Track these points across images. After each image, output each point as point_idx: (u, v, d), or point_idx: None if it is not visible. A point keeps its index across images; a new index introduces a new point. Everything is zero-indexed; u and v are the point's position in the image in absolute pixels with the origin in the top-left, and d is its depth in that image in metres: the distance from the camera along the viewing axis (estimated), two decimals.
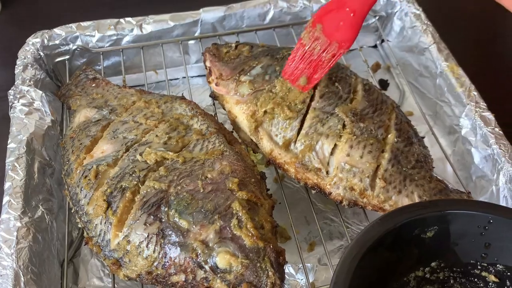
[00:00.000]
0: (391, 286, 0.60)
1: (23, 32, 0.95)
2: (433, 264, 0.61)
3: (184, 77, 1.03)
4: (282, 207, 0.80)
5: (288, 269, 0.78)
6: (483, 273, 0.60)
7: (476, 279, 0.61)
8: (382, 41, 1.10)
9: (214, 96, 0.84)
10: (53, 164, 0.82)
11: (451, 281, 0.61)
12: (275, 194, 0.87)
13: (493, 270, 0.60)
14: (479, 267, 0.60)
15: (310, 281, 0.76)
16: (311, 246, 0.82)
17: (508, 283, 0.59)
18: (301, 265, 0.76)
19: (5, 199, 0.72)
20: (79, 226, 0.70)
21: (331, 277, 0.71)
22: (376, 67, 1.07)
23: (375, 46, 1.13)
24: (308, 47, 0.73)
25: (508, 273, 0.59)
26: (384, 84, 1.04)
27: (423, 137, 0.85)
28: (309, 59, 0.73)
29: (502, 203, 0.78)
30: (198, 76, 1.06)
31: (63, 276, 0.75)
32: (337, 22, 0.70)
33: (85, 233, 0.68)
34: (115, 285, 0.73)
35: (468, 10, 1.21)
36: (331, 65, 0.72)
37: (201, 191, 0.64)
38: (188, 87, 0.94)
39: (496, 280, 0.60)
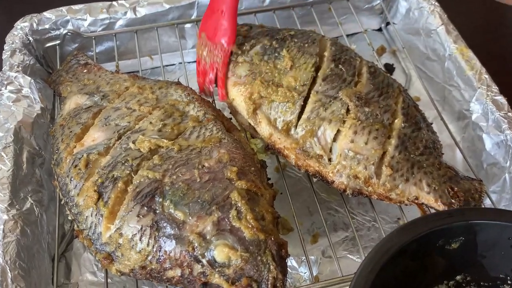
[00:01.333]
0: None
1: (11, 16, 0.91)
2: (458, 277, 0.57)
3: (181, 63, 0.99)
4: (284, 197, 0.77)
5: (291, 262, 0.75)
6: None
7: None
8: (387, 24, 1.06)
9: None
10: (43, 154, 0.78)
11: None
12: (277, 184, 0.83)
13: None
14: (509, 282, 0.56)
15: (314, 274, 0.72)
16: (315, 237, 0.78)
17: None
18: (304, 257, 0.73)
19: None
20: (69, 218, 0.66)
21: (335, 270, 0.68)
22: (381, 51, 1.02)
23: (380, 29, 1.08)
24: (202, 57, 0.80)
25: None
26: (389, 68, 1.00)
27: (431, 123, 0.80)
28: (208, 66, 0.80)
29: None
30: (195, 61, 1.01)
31: (54, 271, 0.71)
32: (215, 26, 0.77)
33: (75, 226, 0.65)
34: (109, 280, 0.70)
35: None
36: (225, 61, 0.77)
37: (198, 180, 0.61)
38: (185, 73, 0.90)
39: None
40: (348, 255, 0.76)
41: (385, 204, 0.80)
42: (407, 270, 0.55)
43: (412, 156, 0.69)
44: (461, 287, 0.57)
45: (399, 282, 0.54)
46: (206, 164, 0.63)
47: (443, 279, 0.57)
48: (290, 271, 0.74)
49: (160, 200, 0.59)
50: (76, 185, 0.65)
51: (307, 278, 0.73)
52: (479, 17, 1.12)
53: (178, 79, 0.85)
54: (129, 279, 0.73)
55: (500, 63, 0.97)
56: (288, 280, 0.73)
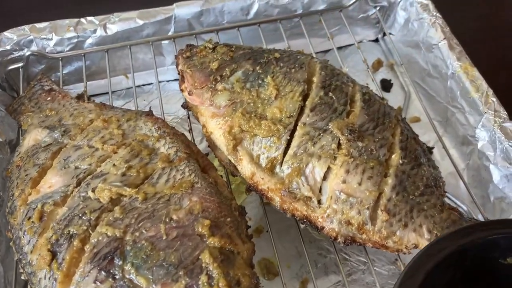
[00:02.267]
0: None
1: None
2: None
3: (160, 82, 0.90)
4: (269, 236, 0.69)
5: None
6: None
7: None
8: (384, 34, 0.97)
9: (187, 107, 0.72)
10: (0, 194, 0.71)
11: None
12: (262, 221, 0.76)
13: None
14: None
15: None
16: (303, 284, 0.71)
17: None
18: None
19: None
20: (22, 278, 0.58)
21: None
22: (377, 65, 0.94)
23: (376, 40, 0.99)
24: None
25: None
26: (387, 84, 0.92)
27: (431, 148, 0.73)
28: None
29: None
30: (175, 80, 0.93)
31: None
32: None
33: (28, 287, 0.57)
34: None
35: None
36: None
37: (164, 238, 0.53)
38: (159, 96, 0.81)
39: None
40: None
41: (380, 251, 0.73)
42: (455, 280, 0.49)
43: (411, 197, 0.61)
44: None
45: None
46: (175, 217, 0.55)
47: None
48: None
49: (120, 263, 0.52)
50: (29, 241, 0.57)
51: None
52: (484, 26, 1.03)
53: (150, 107, 0.77)
54: None
55: (506, 79, 0.89)
56: None
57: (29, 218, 0.58)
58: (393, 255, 0.72)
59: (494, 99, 0.73)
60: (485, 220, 0.59)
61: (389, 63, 0.94)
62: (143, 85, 0.92)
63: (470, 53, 0.79)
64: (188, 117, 0.77)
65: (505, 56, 0.96)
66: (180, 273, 0.50)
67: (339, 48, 0.94)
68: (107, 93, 0.87)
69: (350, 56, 0.95)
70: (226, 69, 0.69)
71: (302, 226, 0.64)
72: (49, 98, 0.76)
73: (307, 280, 0.71)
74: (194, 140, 0.74)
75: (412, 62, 0.89)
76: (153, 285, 0.50)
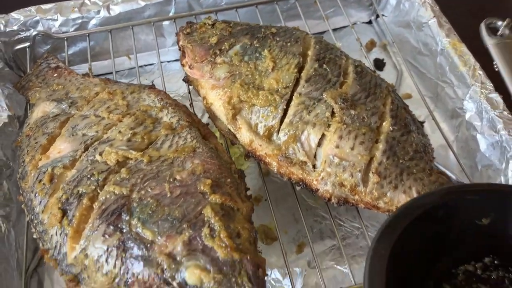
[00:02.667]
0: (438, 272, 0.53)
1: None
2: (486, 259, 0.54)
3: (162, 62, 0.94)
4: (267, 204, 0.72)
5: (275, 274, 0.71)
6: None
7: None
8: (377, 16, 1.01)
9: (188, 81, 0.75)
10: (11, 165, 0.74)
11: (506, 282, 0.53)
12: (261, 190, 0.79)
13: None
14: None
15: (299, 287, 0.68)
16: (300, 247, 0.74)
17: None
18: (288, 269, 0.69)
19: None
20: (34, 236, 0.62)
21: (320, 283, 0.64)
22: (371, 45, 0.97)
23: (369, 22, 1.03)
24: None
25: None
26: (379, 63, 0.95)
27: (423, 122, 0.76)
28: None
29: None
30: (176, 60, 0.97)
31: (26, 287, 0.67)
32: None
33: (40, 245, 0.60)
34: None
35: None
36: None
37: (168, 195, 0.56)
38: (161, 74, 0.85)
39: None
40: (335, 266, 0.72)
41: (373, 212, 0.76)
42: (434, 239, 0.52)
43: (401, 161, 0.65)
44: (488, 270, 0.54)
45: (425, 250, 0.52)
46: (178, 177, 0.58)
47: (471, 259, 0.54)
48: (274, 283, 0.70)
49: (127, 218, 0.55)
50: (40, 201, 0.61)
51: None
52: (474, 5, 1.07)
53: (153, 81, 0.81)
54: None
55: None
56: None
57: (40, 180, 0.61)
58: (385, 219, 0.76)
59: (481, 72, 0.77)
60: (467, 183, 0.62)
61: (382, 43, 0.98)
62: (145, 65, 0.96)
63: (458, 29, 0.83)
64: (189, 92, 0.81)
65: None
66: (184, 226, 0.54)
67: (334, 29, 0.98)
68: (110, 73, 0.90)
69: (345, 37, 0.98)
70: (225, 43, 0.73)
71: (298, 188, 0.68)
72: (55, 75, 0.79)
73: (304, 244, 0.74)
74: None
75: (403, 42, 0.93)
76: (159, 237, 0.53)
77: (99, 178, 0.59)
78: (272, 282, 0.70)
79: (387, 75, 0.93)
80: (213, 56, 0.72)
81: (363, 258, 0.73)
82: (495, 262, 0.53)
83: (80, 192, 0.58)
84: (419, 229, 0.49)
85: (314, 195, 0.65)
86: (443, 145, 0.79)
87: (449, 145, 0.77)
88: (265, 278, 0.54)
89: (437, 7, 0.86)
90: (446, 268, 0.52)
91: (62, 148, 0.64)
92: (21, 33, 0.86)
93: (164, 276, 0.52)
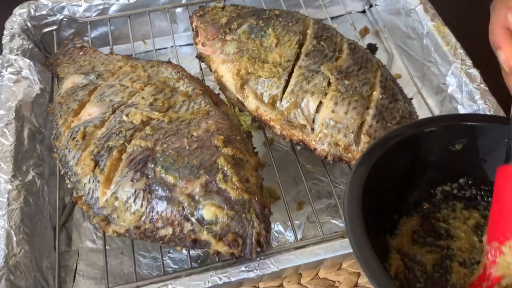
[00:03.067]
0: (418, 193, 0.61)
1: (7, 7, 0.95)
2: (461, 180, 0.61)
3: (173, 46, 1.03)
4: (271, 169, 0.81)
5: (277, 227, 0.80)
6: None
7: None
8: (370, 6, 1.10)
9: (200, 57, 0.84)
10: (43, 131, 0.83)
11: (478, 198, 0.61)
12: (265, 157, 0.88)
13: None
14: None
15: (299, 237, 0.77)
16: (300, 205, 0.83)
17: None
18: (290, 223, 0.78)
19: None
20: (69, 186, 0.71)
21: (319, 234, 0.72)
22: (364, 32, 1.07)
23: (363, 12, 1.12)
24: None
25: None
26: (372, 48, 1.04)
27: (411, 99, 0.85)
28: None
29: None
30: (187, 45, 1.06)
31: (55, 239, 0.76)
32: None
33: (74, 193, 0.69)
34: (107, 247, 0.75)
35: None
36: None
37: (187, 148, 0.65)
38: (176, 56, 0.94)
39: None
40: (331, 220, 0.81)
41: None
42: (412, 165, 0.58)
43: (389, 125, 0.73)
44: (463, 189, 0.61)
45: (403, 176, 0.58)
46: (195, 134, 0.67)
47: (447, 180, 0.61)
48: (277, 235, 0.79)
49: (152, 166, 0.64)
50: (74, 156, 0.69)
51: (292, 241, 0.78)
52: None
53: (169, 58, 0.90)
54: (126, 246, 0.78)
55: (476, 39, 1.01)
56: (275, 243, 0.78)
57: (74, 138, 0.70)
58: None
59: (461, 51, 0.86)
60: (437, 116, 0.71)
61: (374, 30, 1.07)
62: (159, 49, 1.05)
63: (442, 14, 0.92)
64: (201, 69, 0.90)
65: (473, 13, 1.10)
66: (201, 172, 0.63)
67: (332, 17, 1.07)
68: (129, 55, 1.00)
69: (341, 24, 1.07)
70: (234, 23, 0.82)
71: (298, 148, 0.77)
72: (81, 53, 0.88)
73: (303, 203, 0.83)
74: None
75: (394, 28, 1.02)
76: (180, 181, 0.62)
77: (127, 134, 0.68)
78: (276, 234, 0.79)
79: (379, 57, 1.01)
80: (223, 34, 0.81)
81: None
82: (469, 182, 0.61)
83: (110, 145, 0.67)
84: (396, 155, 0.55)
85: (312, 153, 0.74)
86: None
87: None
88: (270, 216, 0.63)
89: None
90: (425, 189, 0.60)
91: (91, 111, 0.73)
92: (49, 17, 0.95)
93: (184, 213, 0.61)
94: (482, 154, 0.59)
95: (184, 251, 0.76)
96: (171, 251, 0.77)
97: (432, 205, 0.61)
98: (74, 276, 0.76)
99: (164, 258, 0.73)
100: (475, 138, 0.57)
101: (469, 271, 0.53)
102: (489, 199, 0.60)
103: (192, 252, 0.74)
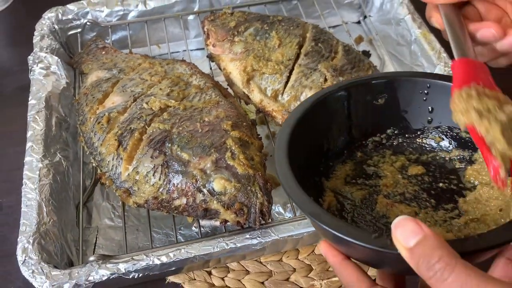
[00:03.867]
0: (352, 145, 0.68)
1: (37, 13, 1.05)
2: (388, 131, 0.68)
3: (185, 50, 1.13)
4: (272, 159, 0.89)
5: (278, 208, 0.88)
6: (430, 136, 0.67)
7: (425, 142, 0.68)
8: (365, 17, 1.21)
9: (211, 57, 0.94)
10: (68, 120, 0.92)
11: (404, 145, 0.68)
12: (267, 149, 0.96)
13: (438, 132, 0.67)
14: (427, 131, 0.67)
15: (296, 216, 0.85)
16: None
17: (452, 142, 0.66)
18: (289, 205, 0.86)
19: (28, 144, 0.82)
20: (94, 165, 0.80)
21: None
22: (359, 40, 1.17)
23: (358, 22, 1.23)
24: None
25: (451, 133, 0.66)
26: (366, 54, 1.14)
27: None
28: None
29: None
30: (197, 49, 1.16)
31: (78, 216, 0.84)
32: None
33: (98, 171, 0.78)
34: (125, 225, 0.83)
35: None
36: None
37: (200, 131, 0.74)
38: (189, 58, 1.04)
39: (440, 140, 0.67)
40: None
41: None
42: (340, 121, 0.66)
43: None
44: (391, 139, 0.68)
45: (336, 127, 0.66)
46: (206, 119, 0.77)
47: (377, 132, 0.68)
48: (277, 215, 0.87)
49: (169, 145, 0.73)
50: (99, 138, 0.79)
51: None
52: None
53: (183, 57, 1.00)
54: (141, 223, 0.86)
55: None
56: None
57: (99, 122, 0.79)
58: None
59: (445, 55, 0.96)
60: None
61: (368, 38, 1.17)
62: (172, 52, 1.15)
63: (427, 23, 1.02)
64: (211, 69, 1.00)
65: None
66: (212, 150, 0.71)
67: (329, 27, 1.17)
68: (146, 55, 1.10)
69: (338, 33, 1.17)
70: (242, 26, 0.92)
71: None
72: (103, 52, 0.98)
73: None
74: None
75: (386, 36, 1.12)
76: (193, 158, 0.71)
77: (147, 119, 0.77)
78: (276, 214, 0.87)
79: (373, 63, 1.12)
80: (232, 36, 0.92)
81: None
82: (395, 132, 0.68)
83: (132, 128, 0.76)
84: (324, 110, 0.64)
85: None
86: None
87: None
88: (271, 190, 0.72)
89: (412, 6, 1.06)
90: (358, 140, 0.68)
91: (115, 100, 0.83)
92: (74, 21, 1.06)
93: (197, 184, 0.70)
94: (403, 106, 0.66)
95: (194, 228, 0.85)
96: (182, 228, 0.86)
97: (365, 154, 0.68)
98: (94, 249, 0.84)
99: (176, 234, 0.82)
100: (393, 92, 0.65)
101: (392, 201, 0.61)
102: (414, 145, 0.68)
103: (201, 229, 0.82)
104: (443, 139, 0.67)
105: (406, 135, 0.68)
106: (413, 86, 0.65)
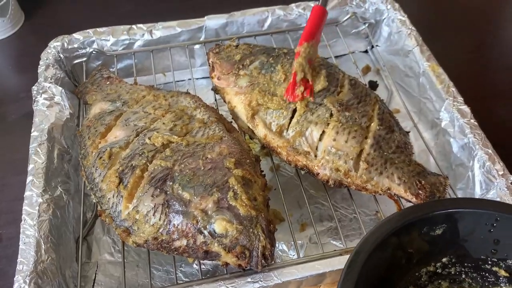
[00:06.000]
0: (404, 279, 0.63)
1: (45, 39, 1.06)
2: (444, 259, 0.64)
3: (190, 79, 1.13)
4: (277, 193, 0.88)
5: (281, 246, 0.86)
6: (494, 268, 0.63)
7: (487, 274, 0.64)
8: (372, 46, 1.19)
9: (215, 90, 0.93)
10: (70, 152, 0.91)
11: (463, 276, 0.64)
12: (271, 182, 0.95)
13: (503, 265, 0.63)
14: (489, 262, 0.63)
15: (300, 256, 0.83)
16: (303, 226, 0.89)
17: None
18: (293, 242, 0.84)
19: (29, 178, 0.81)
20: (94, 201, 0.78)
21: (319, 254, 0.78)
22: (366, 70, 1.16)
23: (365, 51, 1.22)
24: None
25: None
26: (373, 85, 1.13)
27: (408, 132, 0.93)
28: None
29: (477, 187, 0.85)
30: (202, 78, 1.16)
31: (77, 251, 0.83)
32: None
33: (98, 207, 0.77)
34: (125, 260, 0.81)
35: (453, 19, 1.31)
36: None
37: (202, 168, 0.73)
38: (193, 87, 1.04)
39: (507, 274, 0.63)
40: (331, 241, 0.87)
41: (365, 199, 0.92)
42: (395, 255, 0.61)
43: (385, 153, 0.81)
44: (447, 268, 0.64)
45: (389, 266, 0.61)
46: (209, 156, 0.75)
47: (431, 261, 0.64)
48: (281, 253, 0.85)
49: (171, 183, 0.71)
50: (100, 173, 0.77)
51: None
52: (453, 41, 1.26)
53: (187, 89, 0.99)
54: (142, 259, 0.84)
55: (469, 80, 1.10)
56: (279, 260, 0.84)
57: (101, 157, 0.78)
58: (374, 208, 0.91)
59: (454, 89, 0.94)
60: (414, 205, 0.73)
61: (375, 68, 1.16)
62: (177, 81, 1.14)
63: (437, 56, 1.01)
64: (215, 100, 0.99)
65: (463, 54, 1.21)
66: (214, 190, 0.70)
67: (336, 56, 1.16)
68: (152, 86, 1.09)
69: (344, 63, 1.17)
70: (247, 60, 0.91)
71: (302, 172, 0.84)
72: (108, 83, 0.98)
73: (306, 224, 0.89)
74: None
75: (393, 67, 1.11)
76: (195, 197, 0.70)
77: (148, 155, 0.76)
78: (280, 252, 0.85)
79: (380, 94, 1.10)
80: (237, 69, 0.90)
81: (356, 237, 0.88)
82: (452, 260, 0.64)
83: (133, 165, 0.75)
84: (384, 251, 0.59)
85: (315, 178, 0.81)
86: (425, 150, 0.96)
87: (429, 151, 0.93)
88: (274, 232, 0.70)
89: (420, 38, 1.04)
90: (410, 273, 0.63)
91: (117, 134, 0.82)
92: (80, 50, 1.05)
93: (198, 226, 0.68)
94: (463, 235, 0.62)
95: (195, 265, 0.83)
96: (183, 265, 0.84)
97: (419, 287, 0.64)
98: (93, 286, 0.82)
99: (176, 271, 0.80)
100: (454, 223, 0.61)
101: None
102: (474, 274, 0.63)
103: (202, 266, 0.80)
104: (507, 272, 0.62)
105: (465, 264, 0.64)
106: (478, 218, 0.60)
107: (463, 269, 0.64)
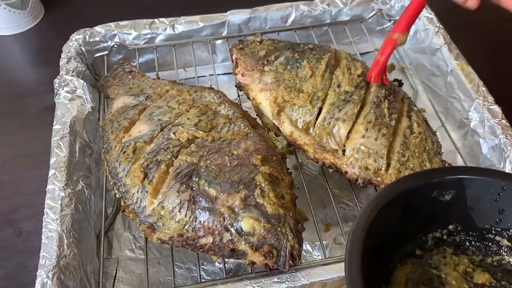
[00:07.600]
0: (411, 240, 0.65)
1: (64, 33, 1.04)
2: (450, 227, 0.65)
3: (212, 75, 1.11)
4: (301, 192, 0.86)
5: (306, 246, 0.84)
6: (497, 238, 0.64)
7: (490, 243, 0.65)
8: None
9: (239, 86, 0.91)
10: (92, 146, 0.90)
11: (467, 244, 0.65)
12: (295, 180, 0.92)
13: (506, 235, 0.63)
14: (493, 232, 0.64)
15: (326, 257, 0.81)
16: (327, 226, 0.87)
17: None
18: (318, 242, 0.82)
19: (51, 172, 0.80)
20: (117, 196, 0.77)
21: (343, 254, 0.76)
22: (391, 68, 1.13)
23: None
24: None
25: None
26: (398, 83, 1.10)
27: (435, 132, 0.90)
28: None
29: None
30: (224, 74, 1.14)
31: (99, 246, 0.82)
32: None
33: (122, 203, 0.75)
34: (147, 257, 0.79)
35: (481, 18, 1.28)
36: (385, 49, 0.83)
37: (228, 165, 0.71)
38: (216, 83, 1.02)
39: (509, 244, 0.63)
40: None
41: None
42: (406, 214, 0.62)
43: (415, 152, 0.78)
44: (452, 235, 0.65)
45: (398, 226, 0.62)
46: (235, 152, 0.73)
47: (438, 227, 0.65)
48: (305, 254, 0.83)
49: (197, 179, 0.70)
50: (124, 168, 0.76)
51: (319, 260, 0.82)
52: (482, 39, 1.23)
53: (211, 84, 0.97)
54: (163, 256, 0.83)
55: (498, 80, 1.07)
56: (303, 261, 0.82)
57: (124, 152, 0.77)
58: None
59: (484, 88, 0.91)
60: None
61: (400, 67, 1.14)
62: (199, 76, 1.12)
63: (466, 54, 0.99)
64: (238, 96, 0.97)
65: (493, 53, 1.18)
66: (241, 187, 0.68)
67: (360, 54, 1.14)
68: (174, 80, 1.08)
69: (369, 60, 1.13)
70: (272, 56, 0.89)
71: (330, 171, 0.82)
72: (130, 77, 0.96)
73: (330, 224, 0.87)
74: None
75: (419, 65, 1.08)
76: (221, 194, 0.68)
77: (174, 150, 0.74)
78: (304, 253, 0.83)
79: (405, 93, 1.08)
80: (261, 65, 0.89)
81: None
82: (458, 228, 0.65)
83: (158, 159, 0.73)
84: (392, 212, 0.60)
85: (343, 176, 0.79)
86: (452, 151, 0.93)
87: (457, 151, 0.91)
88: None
89: (448, 36, 1.02)
90: (417, 236, 0.65)
91: (141, 129, 0.80)
92: (101, 43, 1.04)
93: (225, 223, 0.66)
94: (470, 203, 0.63)
95: (217, 264, 0.81)
96: (205, 263, 0.82)
97: (424, 251, 0.65)
98: (114, 283, 0.81)
99: (199, 269, 0.78)
100: (463, 189, 0.62)
101: None
102: (477, 243, 0.65)
103: (225, 265, 0.79)
104: (510, 242, 0.63)
105: (470, 233, 0.65)
106: (486, 186, 0.61)
107: (467, 237, 0.65)
